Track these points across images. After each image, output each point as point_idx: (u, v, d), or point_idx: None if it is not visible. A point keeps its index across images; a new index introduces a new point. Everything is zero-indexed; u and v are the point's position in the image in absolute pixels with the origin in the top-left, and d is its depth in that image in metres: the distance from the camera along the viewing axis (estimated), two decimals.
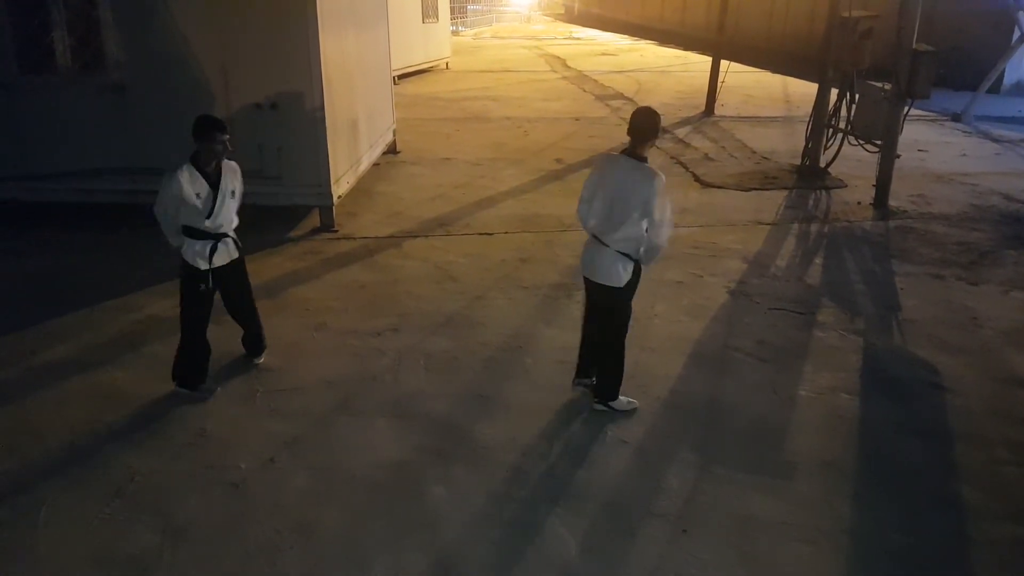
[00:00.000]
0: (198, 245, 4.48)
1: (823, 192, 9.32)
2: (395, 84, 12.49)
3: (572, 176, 9.64)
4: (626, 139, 4.18)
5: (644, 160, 4.17)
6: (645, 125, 4.12)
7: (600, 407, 4.53)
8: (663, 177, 4.13)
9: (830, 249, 7.50)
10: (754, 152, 11.24)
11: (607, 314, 4.42)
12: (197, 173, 4.37)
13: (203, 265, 4.50)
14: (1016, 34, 14.23)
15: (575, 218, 4.47)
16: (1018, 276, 6.77)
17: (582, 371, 4.68)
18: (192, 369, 4.68)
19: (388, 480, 3.96)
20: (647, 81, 18.62)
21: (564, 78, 19.12)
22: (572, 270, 6.33)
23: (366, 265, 6.81)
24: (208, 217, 4.42)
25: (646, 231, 4.18)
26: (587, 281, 4.43)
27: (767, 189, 9.38)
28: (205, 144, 4.33)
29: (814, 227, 8.10)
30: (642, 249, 4.24)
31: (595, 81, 18.45)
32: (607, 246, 4.23)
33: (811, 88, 10.73)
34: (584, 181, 4.34)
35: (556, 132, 12.48)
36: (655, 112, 4.18)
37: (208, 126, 4.32)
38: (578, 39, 31.89)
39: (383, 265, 6.81)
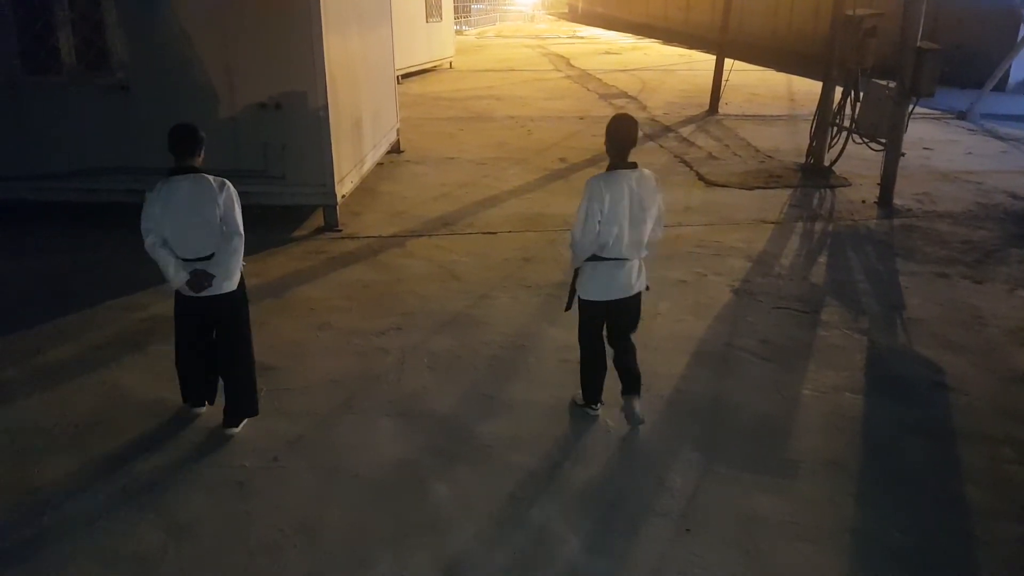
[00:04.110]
0: None
1: (827, 191, 9.30)
2: (399, 83, 12.51)
3: (576, 175, 9.63)
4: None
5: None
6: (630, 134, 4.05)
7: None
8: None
9: (834, 248, 7.49)
10: (758, 151, 11.22)
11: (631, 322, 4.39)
12: None
13: None
14: (1022, 31, 14.19)
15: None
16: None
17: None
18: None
19: (391, 479, 3.97)
20: (651, 80, 18.59)
21: (568, 77, 19.11)
22: None
23: (370, 264, 6.82)
24: None
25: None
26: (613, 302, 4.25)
27: (771, 188, 9.37)
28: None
29: (818, 226, 8.08)
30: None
31: (599, 80, 18.43)
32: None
33: (815, 86, 10.72)
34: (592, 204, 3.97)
35: (560, 131, 12.47)
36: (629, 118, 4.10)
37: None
38: (582, 38, 31.86)
39: (387, 264, 6.82)
